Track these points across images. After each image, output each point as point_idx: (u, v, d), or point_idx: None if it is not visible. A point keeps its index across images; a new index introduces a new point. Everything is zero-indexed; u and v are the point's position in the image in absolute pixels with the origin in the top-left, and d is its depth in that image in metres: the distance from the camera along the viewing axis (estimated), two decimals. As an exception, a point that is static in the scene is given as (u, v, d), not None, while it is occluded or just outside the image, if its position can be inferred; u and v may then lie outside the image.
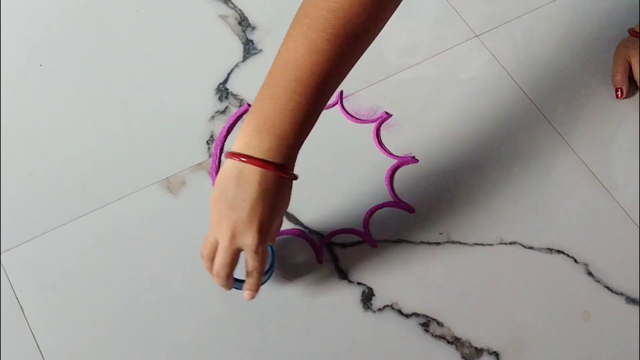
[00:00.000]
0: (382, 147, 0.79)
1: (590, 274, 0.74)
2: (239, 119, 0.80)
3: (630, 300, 0.72)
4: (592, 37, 0.89)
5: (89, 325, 0.68)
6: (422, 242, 0.74)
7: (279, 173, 0.54)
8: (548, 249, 0.74)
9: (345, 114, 0.81)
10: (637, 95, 0.85)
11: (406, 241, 0.74)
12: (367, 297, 0.71)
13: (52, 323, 0.68)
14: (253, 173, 0.54)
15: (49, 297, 0.69)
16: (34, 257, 0.70)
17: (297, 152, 0.56)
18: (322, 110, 0.56)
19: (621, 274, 0.73)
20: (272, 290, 0.70)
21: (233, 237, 0.56)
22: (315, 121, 0.56)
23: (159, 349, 0.67)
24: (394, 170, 0.78)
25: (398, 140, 0.80)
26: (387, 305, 0.70)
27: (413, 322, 0.70)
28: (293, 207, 0.75)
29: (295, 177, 0.57)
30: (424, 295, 0.71)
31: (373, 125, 0.81)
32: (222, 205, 0.56)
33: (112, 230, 0.72)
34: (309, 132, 0.56)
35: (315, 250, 0.73)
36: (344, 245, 0.73)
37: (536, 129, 0.82)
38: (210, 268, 0.60)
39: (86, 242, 0.72)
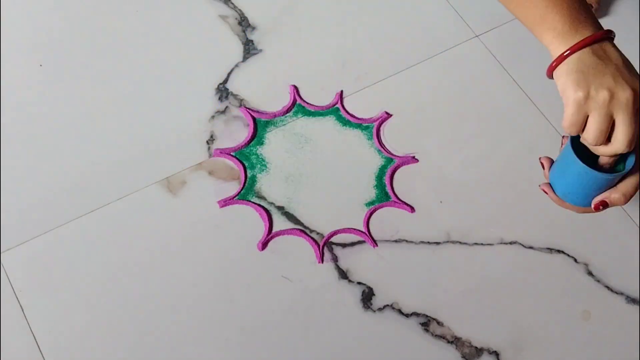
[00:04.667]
0: (382, 147, 0.79)
1: (590, 274, 0.74)
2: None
3: (630, 300, 0.72)
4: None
5: (89, 325, 0.68)
6: (422, 242, 0.74)
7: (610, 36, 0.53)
8: (548, 249, 0.74)
9: (346, 113, 0.81)
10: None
11: (406, 241, 0.74)
12: (367, 297, 0.71)
13: (52, 323, 0.68)
14: (606, 47, 0.52)
15: (49, 297, 0.69)
16: (34, 257, 0.70)
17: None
18: None
19: (621, 274, 0.74)
20: (272, 290, 0.70)
21: (611, 97, 0.50)
22: None
23: (159, 349, 0.67)
24: (394, 170, 0.78)
25: (398, 140, 0.80)
26: (387, 305, 0.70)
27: (413, 322, 0.70)
28: (293, 207, 0.75)
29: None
30: (424, 295, 0.71)
31: (373, 125, 0.81)
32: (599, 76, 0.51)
33: (112, 230, 0.72)
34: None
35: (315, 250, 0.73)
36: (344, 245, 0.73)
37: (536, 128, 0.82)
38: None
39: (86, 242, 0.72)
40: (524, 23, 0.55)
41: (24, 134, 0.78)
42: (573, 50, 0.52)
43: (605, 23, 0.90)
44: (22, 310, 0.68)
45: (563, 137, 0.58)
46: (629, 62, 0.53)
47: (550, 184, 0.57)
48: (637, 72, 0.52)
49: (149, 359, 0.67)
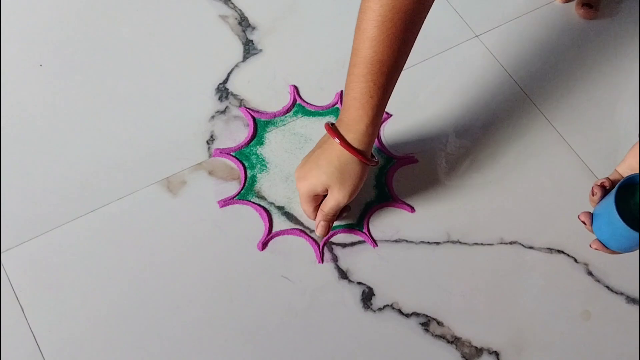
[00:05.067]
0: (382, 147, 0.79)
1: (590, 274, 0.74)
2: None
3: (630, 300, 0.72)
4: (592, 36, 0.89)
5: (89, 325, 0.68)
6: (422, 242, 0.74)
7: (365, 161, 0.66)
8: (548, 249, 0.74)
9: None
10: (637, 95, 0.85)
11: (406, 241, 0.74)
12: (367, 297, 0.71)
13: (52, 323, 0.68)
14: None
15: (49, 297, 0.69)
16: (34, 257, 0.70)
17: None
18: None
19: (621, 274, 0.74)
20: (272, 290, 0.70)
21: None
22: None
23: (159, 349, 0.67)
24: (394, 171, 0.78)
25: (398, 140, 0.80)
26: (387, 305, 0.70)
27: (413, 322, 0.70)
28: (293, 207, 0.75)
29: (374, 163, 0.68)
30: (424, 295, 0.71)
31: (373, 125, 0.80)
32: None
33: (112, 230, 0.72)
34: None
35: (315, 250, 0.73)
36: (344, 245, 0.73)
37: (536, 128, 0.82)
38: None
39: (86, 242, 0.72)
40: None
41: (24, 134, 0.78)
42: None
43: (606, 23, 0.90)
44: (22, 310, 0.68)
45: (595, 185, 0.58)
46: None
47: (598, 239, 0.59)
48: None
49: (149, 359, 0.67)
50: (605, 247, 0.58)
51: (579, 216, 0.60)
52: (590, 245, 0.59)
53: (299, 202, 0.73)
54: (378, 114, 0.65)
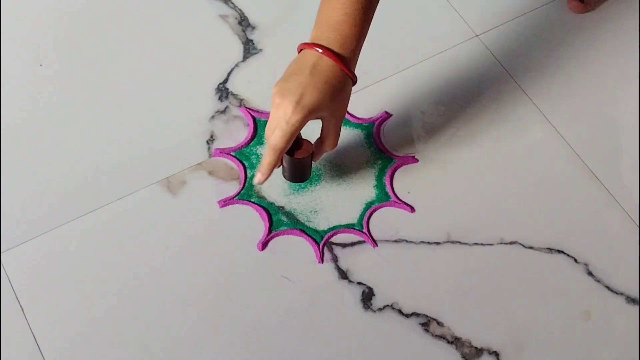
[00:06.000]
0: (382, 147, 0.79)
1: (590, 274, 0.74)
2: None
3: (630, 300, 0.72)
4: (592, 36, 0.89)
5: (89, 325, 0.68)
6: (422, 242, 0.74)
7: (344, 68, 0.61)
8: (548, 249, 0.74)
9: (346, 113, 0.81)
10: (637, 97, 0.85)
11: (406, 241, 0.74)
12: (367, 297, 0.71)
13: (52, 323, 0.68)
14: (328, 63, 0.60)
15: (49, 297, 0.69)
16: (34, 257, 0.70)
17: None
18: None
19: (621, 274, 0.74)
20: (272, 290, 0.70)
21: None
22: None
23: (159, 349, 0.67)
24: (394, 170, 0.78)
25: (398, 140, 0.80)
26: (387, 305, 0.70)
27: (413, 322, 0.70)
28: (293, 207, 0.75)
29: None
30: (424, 295, 0.71)
31: (373, 125, 0.80)
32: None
33: (112, 230, 0.72)
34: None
35: (315, 250, 0.73)
36: (344, 245, 0.73)
37: (536, 128, 0.82)
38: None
39: (86, 242, 0.72)
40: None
41: (24, 134, 0.78)
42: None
43: (606, 23, 0.90)
44: (22, 311, 0.68)
45: None
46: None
47: None
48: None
49: (149, 359, 0.67)
50: None
51: None
52: None
53: (299, 202, 0.73)
54: (365, 35, 0.62)
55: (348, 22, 0.60)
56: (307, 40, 0.62)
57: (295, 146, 0.65)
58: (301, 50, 0.62)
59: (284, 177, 0.71)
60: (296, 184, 0.75)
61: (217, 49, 0.85)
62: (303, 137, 0.66)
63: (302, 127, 0.61)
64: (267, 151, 0.61)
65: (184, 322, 0.68)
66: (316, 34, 0.61)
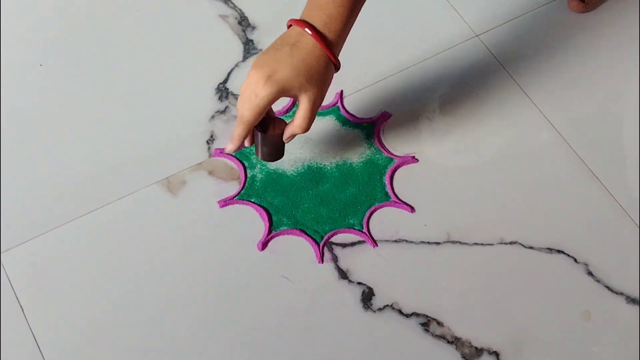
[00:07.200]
0: (382, 147, 0.79)
1: (590, 274, 0.74)
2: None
3: (630, 300, 0.72)
4: (593, 36, 0.89)
5: (89, 325, 0.68)
6: (422, 242, 0.74)
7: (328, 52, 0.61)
8: (548, 249, 0.74)
9: (346, 113, 0.81)
10: (638, 96, 0.85)
11: (406, 241, 0.74)
12: (367, 297, 0.71)
13: (52, 323, 0.68)
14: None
15: (49, 297, 0.69)
16: (34, 257, 0.70)
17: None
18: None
19: (621, 274, 0.73)
20: (272, 290, 0.70)
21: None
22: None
23: (159, 349, 0.67)
24: (394, 170, 0.78)
25: (398, 140, 0.80)
26: (387, 305, 0.71)
27: (413, 322, 0.70)
28: (293, 207, 0.75)
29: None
30: (424, 295, 0.71)
31: (373, 125, 0.80)
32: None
33: (112, 230, 0.72)
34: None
35: (315, 250, 0.73)
36: (344, 245, 0.73)
37: (536, 128, 0.82)
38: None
39: (86, 242, 0.72)
40: None
41: (24, 134, 0.78)
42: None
43: (606, 23, 0.90)
44: (22, 310, 0.68)
45: None
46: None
47: None
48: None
49: (149, 359, 0.67)
50: None
51: None
52: None
53: (299, 202, 0.73)
54: (352, 21, 0.62)
55: (335, 2, 0.60)
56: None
57: (270, 124, 0.65)
58: (290, 26, 0.62)
59: (257, 155, 0.69)
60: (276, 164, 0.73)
61: (217, 49, 0.85)
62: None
63: (273, 102, 0.60)
64: (237, 122, 0.62)
65: (184, 322, 0.68)
66: (304, 12, 0.62)
